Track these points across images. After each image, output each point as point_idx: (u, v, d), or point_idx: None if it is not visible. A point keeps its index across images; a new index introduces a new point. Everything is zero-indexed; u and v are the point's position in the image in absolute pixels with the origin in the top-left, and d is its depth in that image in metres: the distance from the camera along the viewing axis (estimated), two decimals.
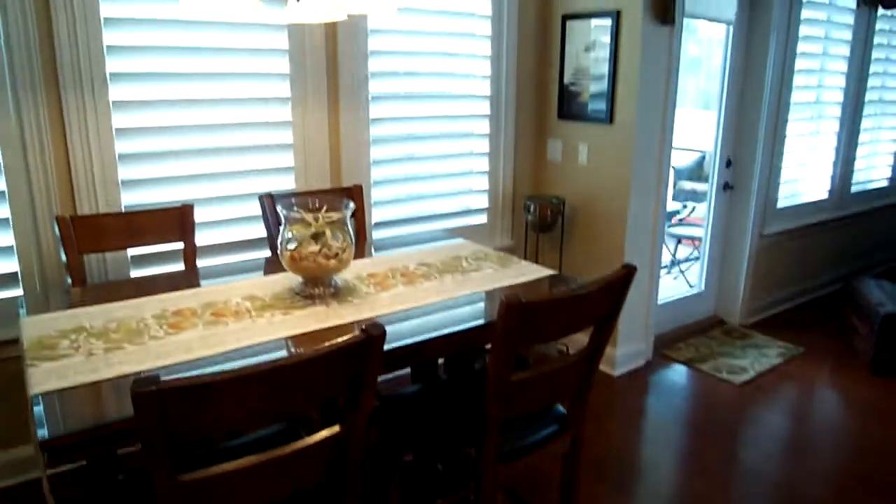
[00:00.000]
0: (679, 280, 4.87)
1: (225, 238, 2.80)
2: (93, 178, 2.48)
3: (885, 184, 5.35)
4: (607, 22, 3.25)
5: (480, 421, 1.73)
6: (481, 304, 2.10)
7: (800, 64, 4.12)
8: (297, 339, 1.76)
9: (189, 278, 2.35)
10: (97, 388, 1.51)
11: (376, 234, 3.22)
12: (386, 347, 1.44)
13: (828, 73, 4.50)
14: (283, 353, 1.73)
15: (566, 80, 3.53)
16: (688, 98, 8.55)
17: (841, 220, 4.86)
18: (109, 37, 2.43)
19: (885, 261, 5.58)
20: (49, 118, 2.38)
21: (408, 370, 2.66)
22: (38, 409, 1.42)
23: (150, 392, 1.14)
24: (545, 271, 2.36)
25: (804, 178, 4.61)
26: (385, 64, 3.11)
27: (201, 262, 2.60)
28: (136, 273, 2.65)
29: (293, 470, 1.40)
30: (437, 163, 3.40)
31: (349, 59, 2.96)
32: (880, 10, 4.56)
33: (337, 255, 1.95)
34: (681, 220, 5.66)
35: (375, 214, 3.22)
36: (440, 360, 2.55)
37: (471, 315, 2.05)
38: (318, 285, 2.03)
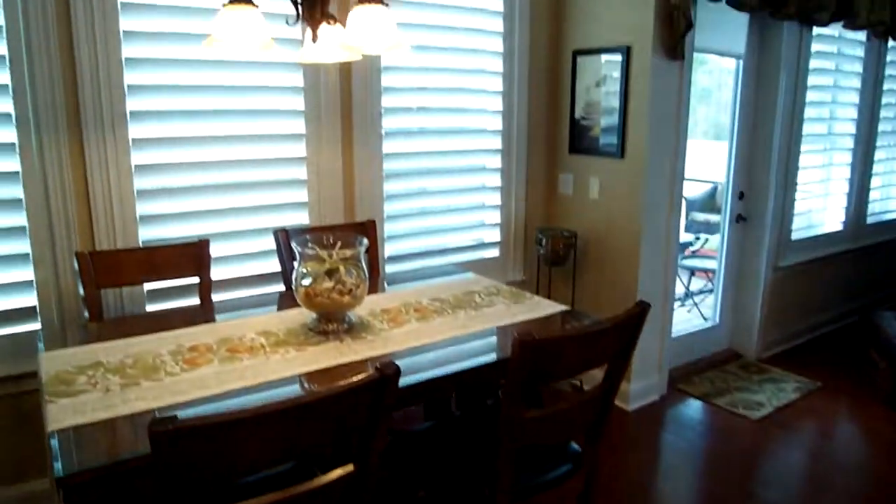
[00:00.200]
0: (693, 312, 4.84)
1: (240, 272, 2.83)
2: (111, 213, 2.52)
3: None
4: (617, 57, 3.29)
5: (494, 458, 1.72)
6: (494, 340, 2.11)
7: (811, 96, 4.13)
8: (312, 376, 1.77)
9: (204, 313, 2.37)
10: (114, 424, 1.52)
11: (389, 268, 3.24)
12: (399, 384, 1.44)
13: (839, 105, 4.52)
14: (297, 390, 1.74)
15: (577, 114, 3.56)
16: (699, 128, 8.58)
17: (856, 252, 4.83)
18: (130, 77, 2.49)
19: None
20: (70, 155, 2.43)
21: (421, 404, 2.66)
22: (55, 444, 1.43)
23: (167, 431, 1.15)
24: (558, 307, 2.36)
25: (818, 210, 4.60)
26: (398, 100, 3.16)
27: (216, 296, 2.62)
28: (151, 307, 2.67)
29: None
30: (449, 197, 3.43)
31: (363, 95, 3.01)
32: (891, 43, 4.58)
33: (351, 291, 1.97)
34: (694, 252, 5.65)
35: (388, 248, 3.24)
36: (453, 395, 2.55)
37: (484, 351, 2.05)
38: (332, 321, 2.04)
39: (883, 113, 4.79)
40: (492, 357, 1.97)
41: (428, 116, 3.31)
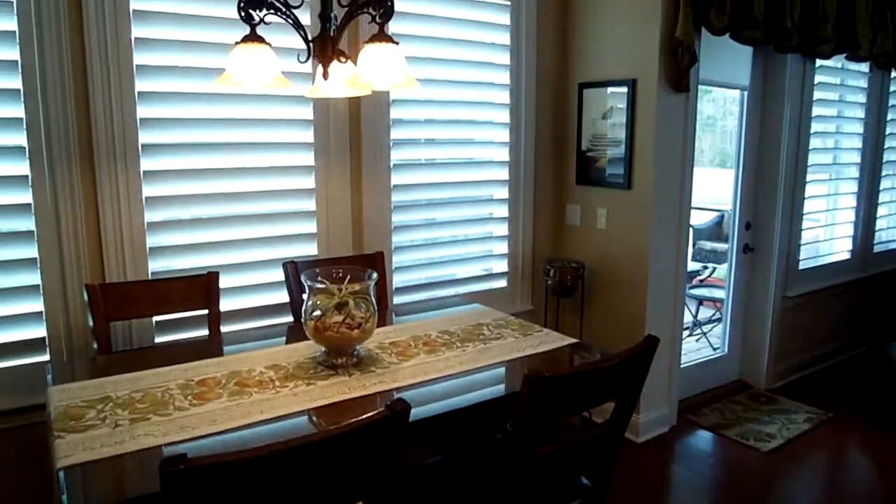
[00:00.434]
0: (702, 342, 4.81)
1: (249, 304, 2.83)
2: (122, 245, 2.54)
3: None
4: (623, 90, 3.32)
5: (503, 493, 1.70)
6: (503, 374, 2.10)
7: (815, 126, 4.16)
8: (321, 411, 1.77)
9: (213, 346, 2.37)
10: (122, 461, 1.52)
11: (397, 299, 3.24)
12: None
13: (844, 136, 4.54)
14: (306, 424, 1.73)
15: (584, 146, 3.59)
16: (704, 156, 8.61)
17: (864, 281, 4.81)
18: (143, 111, 2.52)
19: None
20: (82, 188, 2.45)
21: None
22: (63, 480, 1.43)
23: (178, 471, 1.14)
24: (566, 340, 2.35)
25: (825, 239, 4.60)
26: (406, 133, 3.19)
27: (225, 328, 2.63)
28: (160, 338, 2.68)
29: None
30: (457, 228, 3.45)
31: (372, 128, 3.04)
32: (894, 73, 4.61)
33: (360, 325, 1.97)
34: (701, 281, 5.63)
35: (396, 279, 3.25)
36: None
37: (493, 385, 2.05)
38: (341, 355, 2.04)
39: (888, 143, 4.81)
40: (501, 391, 1.96)
41: (436, 149, 3.34)
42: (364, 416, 1.34)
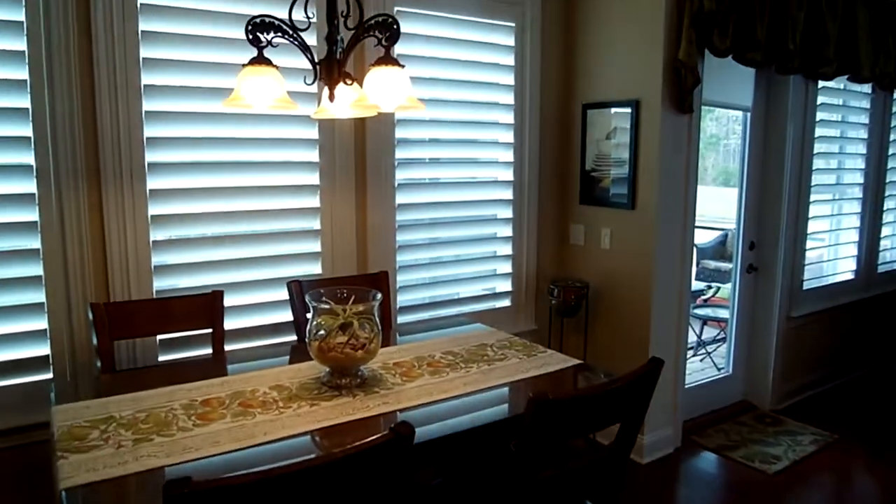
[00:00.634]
0: (706, 362, 4.79)
1: (253, 322, 2.83)
2: (127, 264, 2.55)
3: None
4: (627, 111, 3.34)
5: None
6: (507, 396, 2.09)
7: (819, 147, 4.17)
8: (325, 432, 1.76)
9: (217, 364, 2.37)
10: (126, 482, 1.51)
11: (401, 318, 3.24)
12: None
13: (847, 156, 4.55)
14: (310, 445, 1.73)
15: (588, 166, 3.60)
16: (708, 175, 8.63)
17: (869, 301, 4.79)
18: (150, 130, 2.54)
19: None
20: (88, 207, 2.46)
21: None
22: (66, 501, 1.42)
23: (181, 494, 1.14)
24: (571, 361, 2.35)
25: (829, 259, 4.59)
26: (411, 152, 3.21)
27: (229, 346, 2.63)
28: (164, 357, 2.67)
29: None
30: (461, 247, 3.45)
31: (377, 148, 3.06)
32: None
33: (364, 345, 1.97)
34: (706, 300, 5.62)
35: (400, 299, 3.25)
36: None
37: (497, 408, 2.04)
38: (345, 376, 2.04)
39: (891, 163, 4.81)
40: (504, 413, 1.96)
41: (440, 169, 3.36)
42: (368, 440, 1.34)
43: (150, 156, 2.56)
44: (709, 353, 4.87)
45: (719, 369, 4.41)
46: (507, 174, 3.56)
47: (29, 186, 2.36)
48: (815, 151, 4.14)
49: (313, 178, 2.92)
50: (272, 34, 1.91)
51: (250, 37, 1.90)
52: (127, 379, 2.25)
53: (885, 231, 4.93)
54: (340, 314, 1.94)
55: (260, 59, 1.91)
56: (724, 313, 4.73)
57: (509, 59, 3.46)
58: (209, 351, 2.56)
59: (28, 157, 2.34)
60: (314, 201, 2.94)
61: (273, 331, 2.87)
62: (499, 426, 1.89)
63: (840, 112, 4.44)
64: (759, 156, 4.03)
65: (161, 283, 2.64)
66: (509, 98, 3.49)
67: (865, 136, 4.57)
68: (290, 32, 1.93)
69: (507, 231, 3.60)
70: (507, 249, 3.62)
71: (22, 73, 2.30)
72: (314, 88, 2.19)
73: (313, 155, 2.91)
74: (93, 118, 2.43)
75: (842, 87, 4.28)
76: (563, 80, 3.68)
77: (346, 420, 1.82)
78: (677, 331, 3.51)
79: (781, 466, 3.44)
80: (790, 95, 3.86)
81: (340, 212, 3.00)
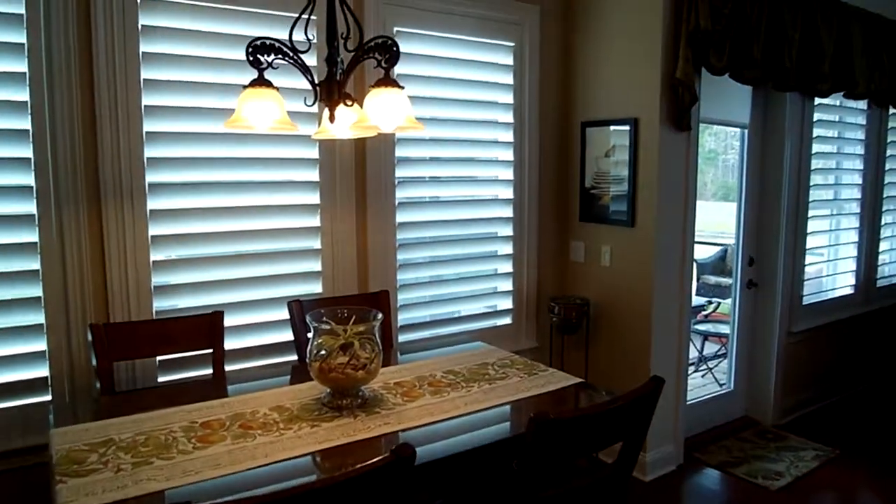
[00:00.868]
0: (707, 378, 4.78)
1: (253, 342, 2.82)
2: (126, 284, 2.54)
3: None
4: (625, 128, 3.36)
5: None
6: (509, 415, 2.08)
7: (816, 163, 4.19)
8: (326, 454, 1.75)
9: (217, 385, 2.36)
10: None
11: (402, 337, 3.23)
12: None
13: (845, 172, 4.57)
14: (310, 467, 1.72)
15: (587, 183, 3.61)
16: (707, 190, 8.65)
17: (868, 315, 4.79)
18: (150, 150, 2.55)
19: None
20: (88, 227, 2.46)
21: None
22: None
23: None
24: (572, 379, 2.34)
25: (829, 274, 4.59)
26: (411, 171, 3.22)
27: (229, 366, 2.61)
28: (163, 378, 2.66)
29: None
30: (462, 265, 3.45)
31: (377, 167, 3.07)
32: (892, 110, 4.66)
33: (365, 365, 1.96)
34: (706, 316, 5.61)
35: (401, 317, 3.24)
36: None
37: (498, 427, 2.03)
38: (346, 396, 2.03)
39: (888, 178, 4.83)
40: (506, 433, 1.95)
41: (440, 187, 3.37)
42: (369, 462, 1.33)
43: (151, 176, 2.56)
44: (710, 369, 4.86)
45: (721, 385, 4.40)
46: (508, 192, 3.57)
47: (29, 207, 2.36)
48: (813, 167, 4.16)
49: (314, 198, 2.93)
50: (273, 56, 1.92)
51: (251, 59, 1.91)
52: (126, 401, 2.24)
53: (883, 245, 4.94)
54: (341, 334, 1.94)
55: (261, 81, 1.92)
56: (724, 329, 4.73)
57: (508, 79, 3.48)
58: (209, 371, 2.55)
59: (28, 179, 2.35)
60: (314, 220, 2.94)
61: (273, 350, 2.86)
62: (500, 446, 1.88)
63: (836, 128, 4.47)
64: (758, 173, 4.05)
65: (161, 304, 2.64)
66: (509, 117, 3.51)
67: (862, 151, 4.59)
68: (291, 54, 1.95)
69: (508, 249, 3.61)
70: (507, 267, 3.62)
71: (23, 95, 2.31)
72: (315, 108, 2.20)
73: (313, 174, 2.91)
74: (93, 139, 2.44)
75: (838, 103, 4.32)
76: (562, 99, 3.71)
77: (347, 441, 1.81)
78: (678, 347, 3.50)
79: (784, 483, 3.42)
80: (787, 112, 3.89)
81: (341, 231, 3.00)
